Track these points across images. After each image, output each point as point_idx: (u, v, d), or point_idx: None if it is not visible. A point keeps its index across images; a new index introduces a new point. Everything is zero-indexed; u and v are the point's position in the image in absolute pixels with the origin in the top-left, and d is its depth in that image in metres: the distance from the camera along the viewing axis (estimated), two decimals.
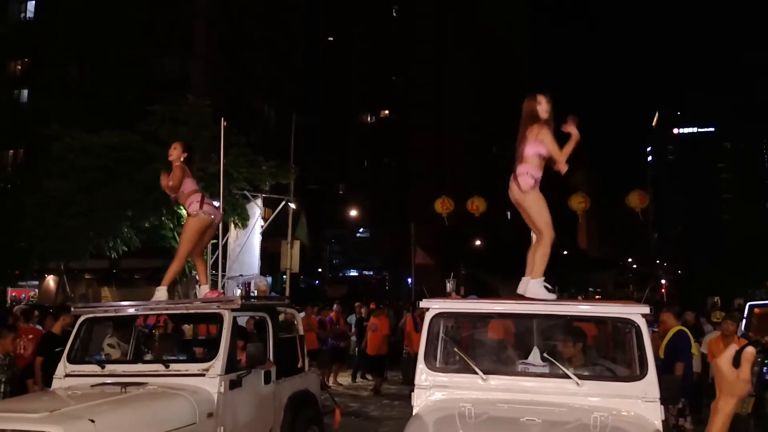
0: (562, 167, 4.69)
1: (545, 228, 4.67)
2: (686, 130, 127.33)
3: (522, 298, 4.65)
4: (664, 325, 7.77)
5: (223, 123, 7.26)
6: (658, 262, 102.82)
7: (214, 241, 14.30)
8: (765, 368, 1.42)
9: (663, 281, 72.33)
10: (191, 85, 33.63)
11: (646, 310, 4.34)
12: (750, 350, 1.46)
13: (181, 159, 6.08)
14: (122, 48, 35.59)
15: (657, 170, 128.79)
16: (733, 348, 1.50)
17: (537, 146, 4.67)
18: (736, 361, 1.47)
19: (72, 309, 6.66)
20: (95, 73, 36.24)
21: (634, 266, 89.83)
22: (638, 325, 4.20)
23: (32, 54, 39.75)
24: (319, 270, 45.15)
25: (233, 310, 5.46)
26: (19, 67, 41.75)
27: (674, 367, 7.08)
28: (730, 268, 39.51)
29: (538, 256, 4.66)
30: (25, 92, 41.27)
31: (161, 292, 6.08)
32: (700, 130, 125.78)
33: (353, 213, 45.69)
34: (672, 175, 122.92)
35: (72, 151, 14.61)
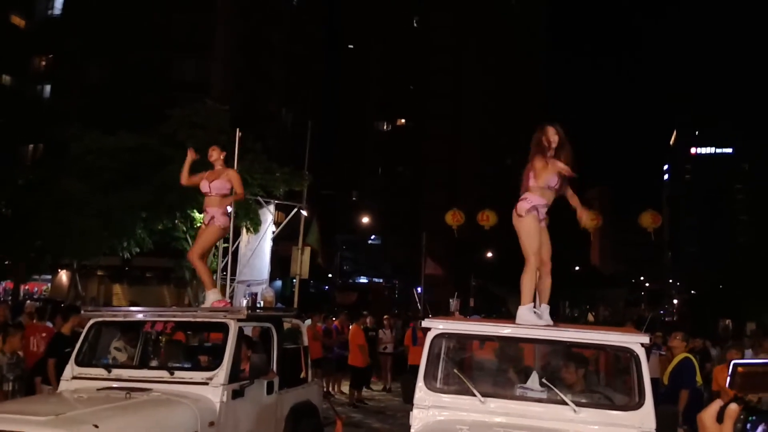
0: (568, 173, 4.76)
1: (532, 256, 4.74)
2: (704, 150, 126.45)
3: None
4: (673, 350, 7.77)
5: (238, 133, 7.39)
6: (671, 281, 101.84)
7: (225, 245, 14.45)
8: (749, 425, 1.46)
9: (675, 301, 71.63)
10: (210, 88, 33.99)
11: (646, 339, 4.37)
12: (733, 407, 1.49)
13: (222, 161, 6.49)
14: (143, 49, 36.06)
15: (673, 189, 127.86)
16: (717, 404, 1.53)
17: (547, 178, 4.73)
18: (720, 417, 1.50)
19: (82, 311, 6.79)
20: (116, 72, 36.70)
21: (647, 284, 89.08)
22: (637, 355, 4.22)
23: (56, 51, 40.34)
24: (329, 275, 45.24)
25: (239, 320, 5.56)
26: (43, 63, 42.35)
27: (677, 395, 7.07)
28: (743, 290, 39.08)
29: (524, 282, 4.73)
30: (48, 88, 41.85)
31: (213, 295, 6.26)
32: (717, 150, 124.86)
33: (365, 220, 45.74)
34: (688, 195, 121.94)
35: (90, 153, 14.84)
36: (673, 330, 13.03)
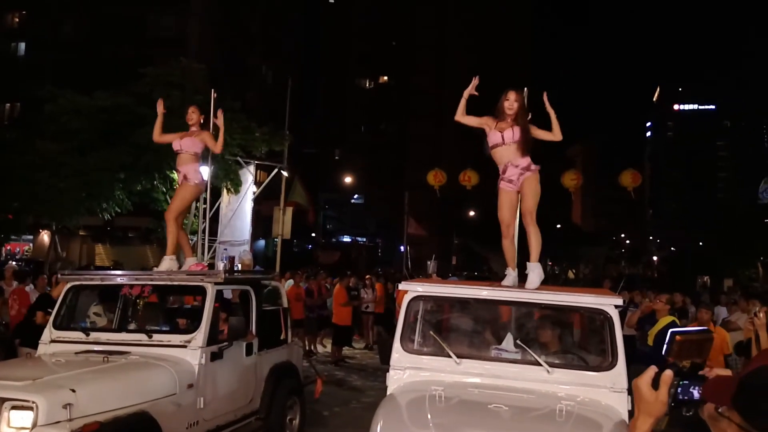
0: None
1: (503, 228, 4.90)
2: (687, 107, 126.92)
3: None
4: (658, 313, 7.96)
5: (213, 95, 7.26)
6: (651, 238, 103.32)
7: (205, 206, 14.32)
8: (680, 389, 1.57)
9: (654, 258, 72.78)
10: (187, 43, 33.19)
11: (619, 301, 4.43)
12: (668, 373, 1.56)
13: (200, 123, 6.50)
14: (118, 3, 35.01)
15: (656, 146, 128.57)
16: (652, 371, 1.59)
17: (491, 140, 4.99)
18: (655, 383, 1.57)
19: (59, 275, 6.74)
20: (91, 28, 35.67)
21: (627, 242, 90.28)
22: (610, 317, 4.28)
23: (29, 6, 39.04)
24: (312, 235, 45.28)
25: (217, 283, 5.55)
26: (17, 20, 41.01)
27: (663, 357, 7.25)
28: (722, 247, 39.78)
29: (504, 246, 4.96)
30: (23, 45, 40.61)
31: (166, 263, 6.16)
32: (700, 107, 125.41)
33: (348, 179, 45.59)
34: (670, 152, 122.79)
35: (65, 113, 14.47)
36: (651, 289, 13.25)
